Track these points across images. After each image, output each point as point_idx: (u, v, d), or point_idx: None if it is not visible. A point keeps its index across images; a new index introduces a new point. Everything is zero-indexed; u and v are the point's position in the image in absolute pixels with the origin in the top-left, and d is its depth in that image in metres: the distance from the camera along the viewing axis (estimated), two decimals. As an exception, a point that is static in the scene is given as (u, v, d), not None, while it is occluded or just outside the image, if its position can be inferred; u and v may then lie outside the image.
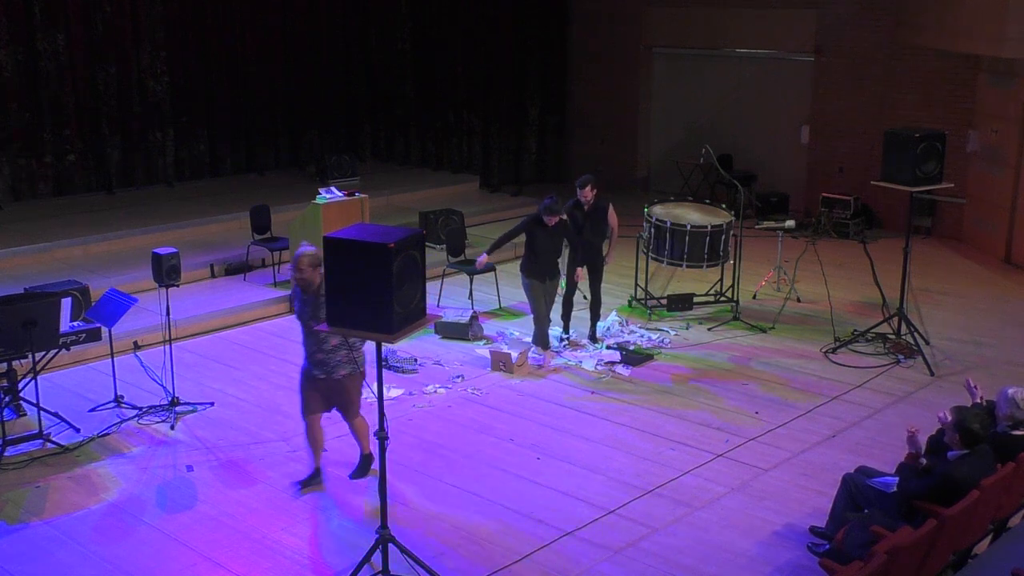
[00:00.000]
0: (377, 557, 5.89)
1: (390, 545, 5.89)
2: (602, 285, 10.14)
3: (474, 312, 10.61)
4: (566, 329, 10.12)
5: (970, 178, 13.85)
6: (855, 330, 10.25)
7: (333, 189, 11.08)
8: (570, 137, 18.20)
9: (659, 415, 8.46)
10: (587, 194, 9.79)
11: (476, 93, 17.01)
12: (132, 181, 14.61)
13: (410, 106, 17.31)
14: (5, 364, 8.01)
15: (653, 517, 6.81)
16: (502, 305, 11.25)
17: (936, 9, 13.13)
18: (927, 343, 9.95)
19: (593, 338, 10.06)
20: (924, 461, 6.04)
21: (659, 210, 11.03)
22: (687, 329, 10.58)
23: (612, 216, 9.98)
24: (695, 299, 11.16)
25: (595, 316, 10.16)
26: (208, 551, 6.39)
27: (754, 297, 11.51)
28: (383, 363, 6.05)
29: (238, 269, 11.82)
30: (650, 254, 10.94)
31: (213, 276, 11.77)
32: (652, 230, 10.82)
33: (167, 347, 8.41)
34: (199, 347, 10.00)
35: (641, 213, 11.07)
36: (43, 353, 8.00)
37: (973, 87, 13.85)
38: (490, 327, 10.51)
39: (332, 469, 7.47)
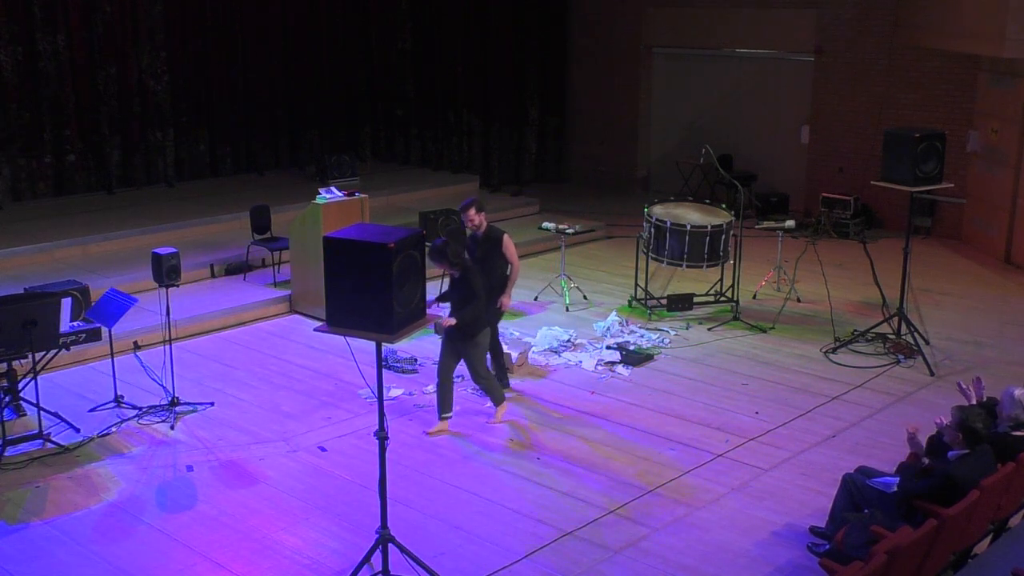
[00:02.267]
0: (377, 557, 5.89)
1: (390, 545, 5.90)
2: (500, 333, 8.83)
3: (474, 312, 10.60)
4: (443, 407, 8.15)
5: (970, 178, 13.86)
6: (855, 330, 10.25)
7: (333, 189, 11.08)
8: (570, 137, 18.21)
9: (659, 415, 8.46)
10: (472, 217, 8.39)
11: (476, 93, 17.01)
12: (132, 181, 14.61)
13: (410, 106, 17.31)
14: (5, 364, 8.01)
15: (653, 517, 6.81)
16: (502, 305, 11.25)
17: (936, 9, 13.14)
18: (927, 343, 9.95)
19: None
20: (926, 461, 6.04)
21: (659, 210, 11.03)
22: (687, 329, 10.58)
23: (509, 248, 8.50)
24: (695, 299, 11.16)
25: (497, 367, 8.82)
26: (208, 551, 6.39)
27: (754, 297, 11.51)
28: (383, 363, 6.04)
29: (238, 269, 11.83)
30: (650, 254, 10.95)
31: (213, 276, 11.77)
32: (652, 230, 10.83)
33: (167, 347, 8.41)
34: (199, 347, 9.99)
35: (641, 213, 11.08)
36: (43, 353, 8.00)
37: (973, 87, 13.86)
38: (490, 327, 10.50)
39: (334, 469, 7.48)
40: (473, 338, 7.88)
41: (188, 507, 6.95)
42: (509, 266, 8.63)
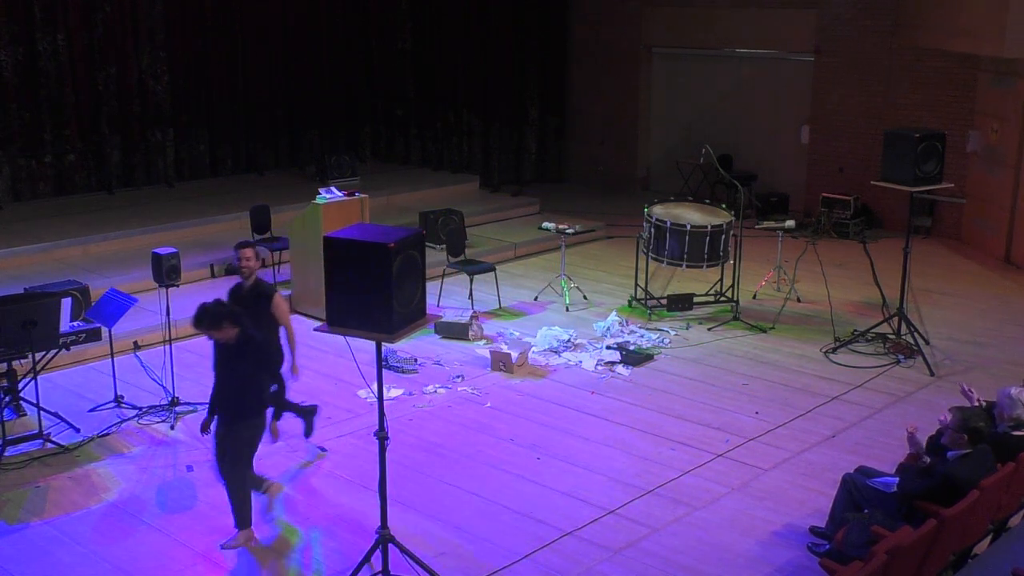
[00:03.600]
0: (377, 557, 5.89)
1: (390, 545, 5.90)
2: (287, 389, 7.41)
3: (474, 312, 10.62)
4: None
5: (970, 178, 13.85)
6: (855, 330, 10.24)
7: (333, 189, 11.08)
8: (570, 137, 18.20)
9: (659, 415, 8.46)
10: (250, 258, 7.35)
11: (476, 93, 17.02)
12: (132, 181, 14.60)
13: (410, 106, 17.31)
14: (5, 364, 8.02)
15: (653, 517, 6.81)
16: (502, 305, 11.26)
17: (936, 9, 13.14)
18: (927, 343, 9.95)
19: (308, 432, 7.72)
20: (928, 460, 6.03)
21: (659, 210, 11.03)
22: (687, 329, 10.58)
23: (280, 309, 7.33)
24: (695, 299, 11.16)
25: (277, 410, 7.45)
26: (208, 551, 6.39)
27: (754, 297, 11.51)
28: (383, 363, 6.04)
29: (238, 269, 11.79)
30: (650, 254, 10.94)
31: (213, 276, 11.77)
32: (652, 230, 10.83)
33: (167, 347, 8.42)
34: (199, 347, 9.93)
35: (641, 213, 11.08)
36: (43, 353, 8.00)
37: (973, 87, 13.85)
38: (490, 327, 10.50)
39: (334, 469, 7.48)
40: (253, 418, 6.28)
41: (188, 507, 6.95)
42: (281, 329, 7.38)
